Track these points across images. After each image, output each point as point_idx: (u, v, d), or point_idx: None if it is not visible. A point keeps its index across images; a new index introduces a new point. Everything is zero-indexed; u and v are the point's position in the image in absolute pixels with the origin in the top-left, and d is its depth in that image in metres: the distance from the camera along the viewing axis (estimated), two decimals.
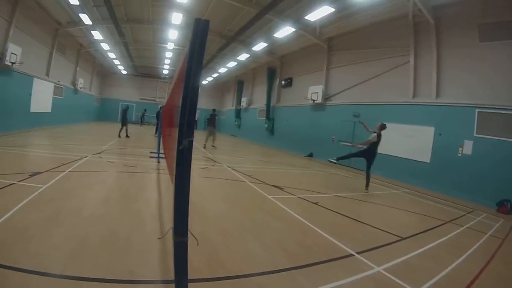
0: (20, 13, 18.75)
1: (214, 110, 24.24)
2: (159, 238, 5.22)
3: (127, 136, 23.69)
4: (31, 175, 8.90)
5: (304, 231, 6.45)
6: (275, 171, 14.38)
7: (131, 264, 4.36)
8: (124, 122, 23.82)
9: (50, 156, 12.98)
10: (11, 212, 5.86)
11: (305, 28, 20.34)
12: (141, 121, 44.00)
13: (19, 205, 6.30)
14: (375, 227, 7.20)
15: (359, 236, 6.59)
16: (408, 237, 6.76)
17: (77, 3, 19.37)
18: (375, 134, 11.58)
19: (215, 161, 15.31)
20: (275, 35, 21.65)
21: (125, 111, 24.21)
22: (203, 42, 2.89)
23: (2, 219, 5.52)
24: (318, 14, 16.74)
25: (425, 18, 14.76)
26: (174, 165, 2.96)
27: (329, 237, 6.11)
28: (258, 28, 22.54)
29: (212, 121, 22.22)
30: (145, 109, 43.54)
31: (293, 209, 7.88)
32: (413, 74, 15.71)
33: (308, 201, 9.04)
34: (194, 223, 2.90)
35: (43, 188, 7.70)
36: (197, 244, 3.61)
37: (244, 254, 5.09)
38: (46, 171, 9.63)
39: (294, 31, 20.41)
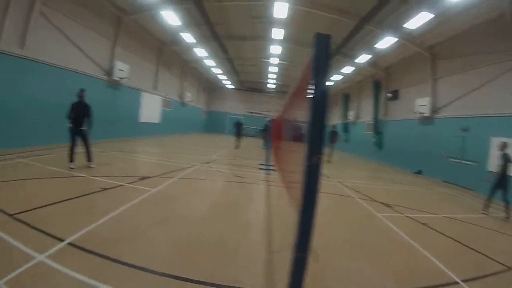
0: (124, 34, 20.55)
1: (334, 126, 24.19)
2: (275, 252, 5.02)
3: (239, 147, 24.86)
4: (141, 179, 9.34)
5: (411, 253, 5.89)
6: (383, 188, 13.57)
7: (236, 271, 4.28)
8: (238, 134, 25.36)
9: (159, 163, 13.64)
10: (119, 210, 6.19)
11: (405, 37, 19.02)
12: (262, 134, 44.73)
13: (128, 205, 6.62)
14: (483, 254, 6.30)
15: (466, 262, 5.85)
16: None
17: (179, 23, 20.44)
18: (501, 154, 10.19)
19: (325, 176, 14.84)
20: (376, 46, 20.81)
21: (239, 124, 25.63)
22: (327, 57, 2.73)
23: (110, 215, 5.83)
24: (417, 21, 15.77)
25: None
26: (302, 180, 2.81)
27: (435, 260, 5.50)
28: (359, 39, 21.70)
29: (333, 137, 22.52)
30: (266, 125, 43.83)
31: (402, 229, 7.28)
32: None
33: (416, 221, 8.30)
34: None
35: (152, 192, 8.01)
36: (317, 261, 3.38)
37: (350, 272, 4.77)
38: (156, 176, 10.03)
39: (396, 41, 19.36)
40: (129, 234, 5.07)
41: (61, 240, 4.45)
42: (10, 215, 5.26)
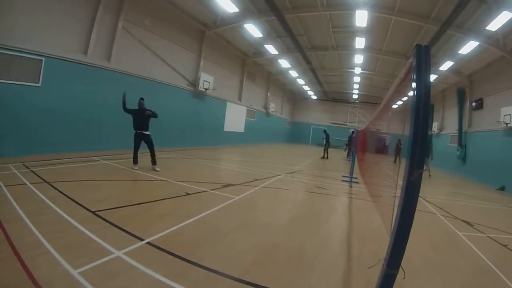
0: (207, 47, 21.79)
1: (429, 141, 23.28)
2: (369, 267, 4.75)
3: (327, 157, 24.72)
4: (224, 186, 9.42)
5: (489, 276, 5.30)
6: (465, 205, 12.57)
7: (314, 282, 4.08)
8: (326, 145, 25.35)
9: (242, 171, 13.71)
10: (202, 215, 6.23)
11: (487, 40, 17.66)
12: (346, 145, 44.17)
13: (211, 210, 6.67)
14: None
15: None
16: None
17: (261, 35, 20.89)
18: None
19: None
20: (458, 51, 19.56)
21: (327, 135, 25.66)
22: (428, 68, 2.74)
23: (193, 219, 5.89)
24: (498, 22, 14.59)
25: None
26: (401, 196, 2.74)
27: None
28: (441, 45, 20.47)
29: (429, 151, 21.74)
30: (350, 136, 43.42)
31: (481, 249, 6.62)
32: None
33: (497, 242, 7.60)
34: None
35: (235, 199, 8.02)
36: (403, 278, 3.12)
37: None
38: (239, 184, 10.07)
39: (478, 45, 18.07)
40: (209, 239, 5.07)
41: (141, 239, 4.54)
42: (92, 212, 5.51)
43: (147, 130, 10.78)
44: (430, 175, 20.41)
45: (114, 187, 7.89)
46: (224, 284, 3.69)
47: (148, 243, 4.46)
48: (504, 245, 7.21)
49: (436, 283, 4.65)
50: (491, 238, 7.74)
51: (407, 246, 2.49)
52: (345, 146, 34.65)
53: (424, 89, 2.68)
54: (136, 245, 4.32)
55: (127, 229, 4.87)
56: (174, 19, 17.89)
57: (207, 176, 11.03)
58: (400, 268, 2.76)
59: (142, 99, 10.92)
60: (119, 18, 13.97)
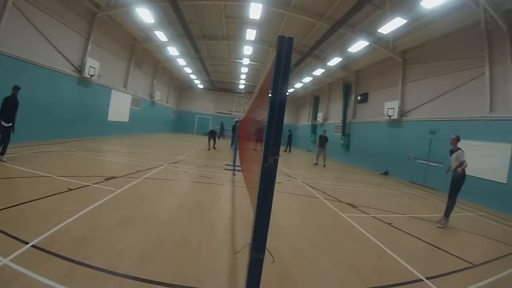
0: (97, 30, 20.39)
1: (324, 131, 24.73)
2: (235, 253, 5.12)
3: (214, 148, 25.57)
4: (107, 179, 9.32)
5: (376, 252, 6.09)
6: (349, 189, 13.88)
7: (200, 272, 4.34)
8: (218, 135, 26.56)
9: (125, 163, 13.55)
10: (85, 211, 6.19)
11: (378, 41, 19.87)
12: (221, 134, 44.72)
13: (93, 206, 6.63)
14: (447, 252, 6.61)
15: (430, 260, 6.14)
16: (480, 264, 6.08)
17: (153, 21, 20.44)
18: (461, 151, 8.93)
19: (290, 176, 15.04)
20: (349, 49, 21.32)
21: (213, 132, 25.95)
22: (288, 59, 2.82)
23: (76, 216, 5.83)
24: (390, 26, 16.32)
25: (498, 25, 13.37)
26: (257, 182, 2.92)
27: (399, 259, 5.73)
28: (332, 42, 22.35)
29: (323, 143, 23.03)
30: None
31: (367, 229, 7.50)
32: (489, 87, 14.12)
33: (382, 221, 8.57)
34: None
35: (117, 192, 8.02)
36: (273, 261, 3.47)
37: (315, 273, 4.87)
38: (122, 176, 10.01)
39: (368, 45, 20.05)
40: (94, 235, 5.08)
41: (26, 242, 4.40)
42: None
43: (10, 122, 10.14)
44: (324, 165, 22.12)
45: None
46: (111, 282, 3.77)
47: (33, 246, 4.33)
48: (389, 223, 8.18)
49: (325, 262, 5.25)
50: (376, 218, 8.72)
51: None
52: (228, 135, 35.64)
53: (282, 80, 2.77)
54: (22, 250, 4.17)
55: (11, 232, 4.65)
56: None
57: (90, 169, 10.76)
58: (267, 252, 2.87)
59: (18, 88, 10.32)
60: None
